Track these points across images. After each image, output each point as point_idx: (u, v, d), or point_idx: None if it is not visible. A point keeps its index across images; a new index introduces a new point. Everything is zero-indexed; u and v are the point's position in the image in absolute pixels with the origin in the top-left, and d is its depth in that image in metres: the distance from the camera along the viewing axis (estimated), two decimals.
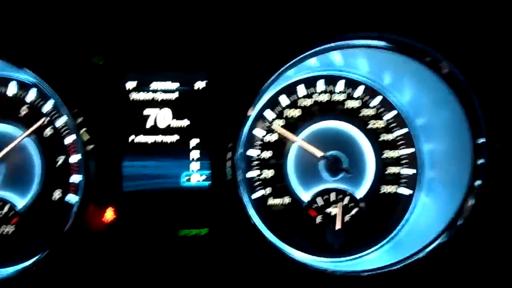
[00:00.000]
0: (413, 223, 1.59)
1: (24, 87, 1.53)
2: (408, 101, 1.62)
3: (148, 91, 1.50)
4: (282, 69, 1.40)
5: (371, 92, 1.62)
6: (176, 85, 1.51)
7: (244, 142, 1.54)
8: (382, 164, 1.61)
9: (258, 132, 1.56)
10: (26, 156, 1.51)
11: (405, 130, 1.63)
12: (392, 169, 1.62)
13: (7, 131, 1.53)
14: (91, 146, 1.42)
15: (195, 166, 1.51)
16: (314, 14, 1.48)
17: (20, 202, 1.50)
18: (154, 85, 1.52)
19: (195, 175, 1.51)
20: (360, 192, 1.60)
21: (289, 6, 1.50)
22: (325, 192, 1.54)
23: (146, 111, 1.50)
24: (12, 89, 1.53)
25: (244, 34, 1.50)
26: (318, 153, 1.54)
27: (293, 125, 1.58)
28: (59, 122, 1.52)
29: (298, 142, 1.55)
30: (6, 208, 1.47)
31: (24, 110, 1.53)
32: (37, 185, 1.51)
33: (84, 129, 1.42)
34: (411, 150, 1.62)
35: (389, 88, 1.62)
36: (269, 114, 1.57)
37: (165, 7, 1.50)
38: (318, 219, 1.54)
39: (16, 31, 1.45)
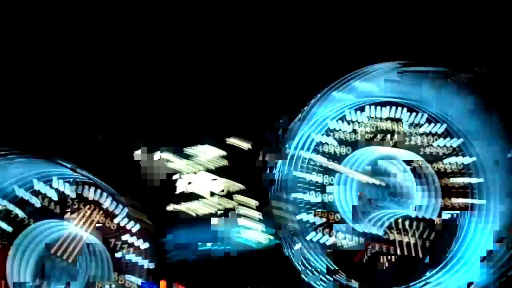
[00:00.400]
0: None
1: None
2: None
3: (182, 158, 1.52)
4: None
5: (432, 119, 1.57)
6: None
7: (287, 186, 1.49)
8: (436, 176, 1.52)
9: (301, 174, 1.52)
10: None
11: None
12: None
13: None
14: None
15: (243, 222, 1.48)
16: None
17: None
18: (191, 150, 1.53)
19: (248, 232, 1.48)
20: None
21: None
22: (385, 220, 1.47)
23: (182, 181, 1.51)
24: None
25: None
26: (378, 182, 1.49)
27: (338, 157, 1.53)
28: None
29: (346, 172, 1.49)
30: None
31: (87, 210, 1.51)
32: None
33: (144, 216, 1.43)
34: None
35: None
36: (305, 154, 1.54)
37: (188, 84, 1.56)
38: (375, 251, 1.45)
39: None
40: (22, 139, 1.42)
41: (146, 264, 1.43)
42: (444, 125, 1.53)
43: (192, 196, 1.50)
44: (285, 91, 1.49)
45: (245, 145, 1.50)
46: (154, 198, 1.49)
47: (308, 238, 1.48)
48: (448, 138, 1.53)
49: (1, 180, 1.41)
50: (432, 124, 1.54)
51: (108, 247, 1.46)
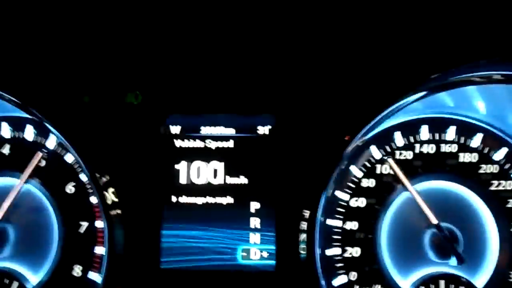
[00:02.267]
0: None
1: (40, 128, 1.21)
2: None
3: (195, 138, 1.15)
4: (380, 116, 1.01)
5: (492, 141, 1.18)
6: (231, 131, 1.15)
7: (323, 209, 1.13)
8: (510, 240, 1.15)
9: (342, 195, 1.15)
10: (42, 219, 1.18)
11: None
12: None
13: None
14: (117, 211, 1.07)
15: (255, 238, 1.13)
16: (417, 43, 1.09)
17: (33, 278, 1.17)
18: (204, 130, 1.16)
19: (255, 251, 1.13)
20: (480, 281, 1.15)
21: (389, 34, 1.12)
22: (431, 280, 1.11)
23: (193, 164, 1.14)
24: (29, 134, 1.20)
25: (324, 64, 1.12)
26: (434, 219, 1.11)
27: (386, 186, 1.16)
28: (85, 176, 1.17)
29: (413, 193, 1.13)
30: (14, 287, 1.13)
31: (42, 161, 1.20)
32: (54, 257, 1.17)
33: (111, 189, 1.07)
34: None
35: None
36: (356, 171, 1.16)
37: (219, 34, 1.15)
38: None
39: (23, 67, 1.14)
40: None
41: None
42: None
43: (198, 189, 1.15)
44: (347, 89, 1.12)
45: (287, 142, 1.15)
46: (148, 185, 1.15)
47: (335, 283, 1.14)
48: None
49: None
50: None
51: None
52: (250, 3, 1.15)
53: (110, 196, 1.09)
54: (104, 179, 1.08)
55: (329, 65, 1.12)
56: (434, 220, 1.13)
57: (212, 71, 1.17)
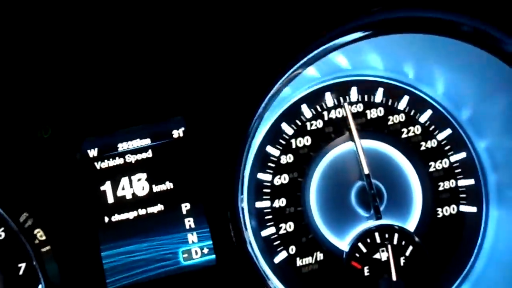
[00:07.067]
0: (490, 249, 1.19)
1: None
2: (445, 94, 1.24)
3: (115, 157, 1.16)
4: (273, 89, 1.05)
5: (393, 93, 1.24)
6: (147, 141, 1.16)
7: (248, 192, 1.17)
8: (429, 180, 1.22)
9: (264, 176, 1.19)
10: None
11: (448, 131, 1.24)
12: (444, 184, 1.23)
13: None
14: (47, 248, 1.07)
15: (192, 238, 1.15)
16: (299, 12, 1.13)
17: None
18: (121, 146, 1.17)
19: (196, 250, 1.16)
20: (412, 224, 1.21)
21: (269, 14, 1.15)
22: (366, 234, 1.16)
23: (118, 182, 1.16)
24: None
25: (216, 55, 1.16)
26: (366, 169, 1.18)
27: (304, 158, 1.20)
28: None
29: (358, 144, 1.19)
30: None
31: None
32: None
33: (37, 229, 1.08)
34: (463, 154, 1.23)
35: (416, 83, 1.25)
36: (272, 150, 1.20)
37: (113, 48, 1.17)
38: (366, 271, 1.15)
39: None
40: None
41: None
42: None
43: (129, 206, 1.16)
44: (240, 70, 1.13)
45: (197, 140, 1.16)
46: (77, 213, 1.15)
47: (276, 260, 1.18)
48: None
49: None
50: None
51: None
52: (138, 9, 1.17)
53: (39, 235, 1.09)
54: (29, 222, 1.08)
55: (212, 53, 1.15)
56: (367, 170, 1.17)
57: (114, 86, 1.18)
